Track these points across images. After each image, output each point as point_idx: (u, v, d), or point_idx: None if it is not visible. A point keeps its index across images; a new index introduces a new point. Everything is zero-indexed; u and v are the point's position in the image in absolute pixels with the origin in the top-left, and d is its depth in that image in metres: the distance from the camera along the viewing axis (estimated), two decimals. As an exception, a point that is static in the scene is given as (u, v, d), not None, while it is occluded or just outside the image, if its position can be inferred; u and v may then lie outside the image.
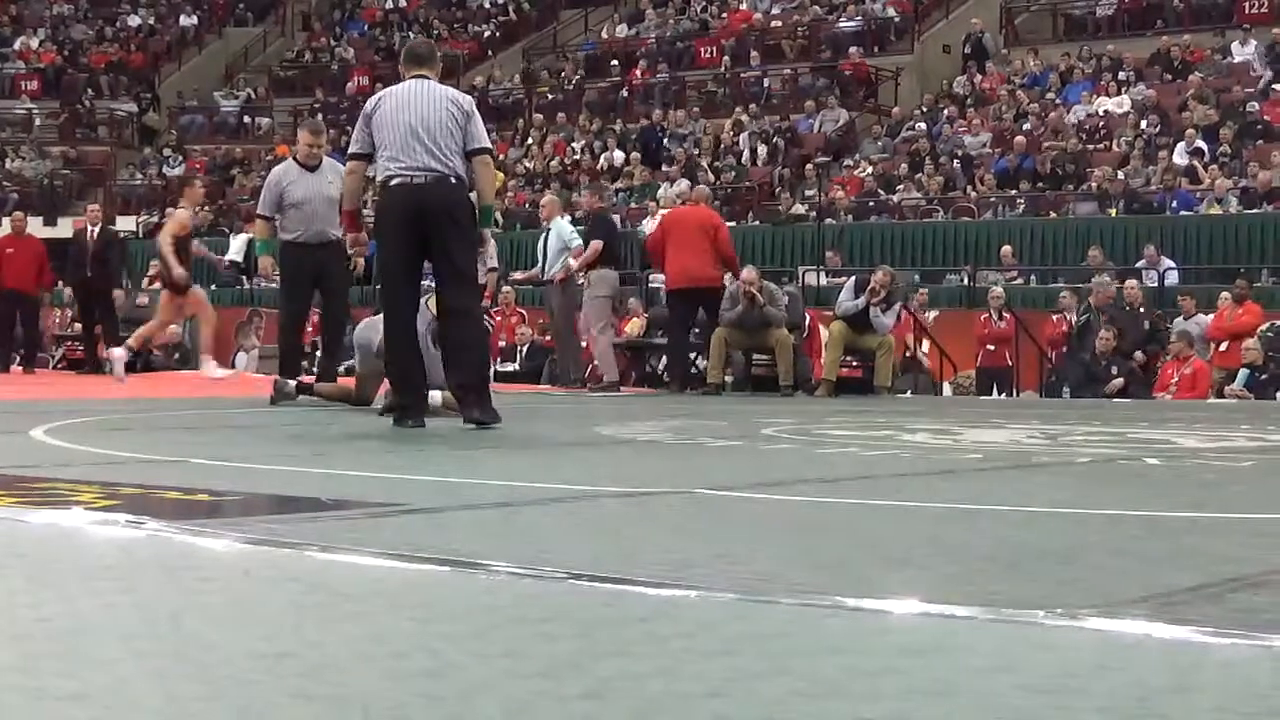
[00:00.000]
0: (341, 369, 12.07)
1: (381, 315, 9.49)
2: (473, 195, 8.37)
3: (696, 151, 28.75)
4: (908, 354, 17.84)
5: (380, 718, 1.85)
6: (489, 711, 1.88)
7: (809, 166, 26.37)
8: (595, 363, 16.30)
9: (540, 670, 2.10)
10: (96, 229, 18.26)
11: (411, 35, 38.66)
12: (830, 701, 1.95)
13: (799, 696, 1.97)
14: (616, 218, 17.24)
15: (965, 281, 21.12)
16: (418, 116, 8.15)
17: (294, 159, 11.79)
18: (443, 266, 8.36)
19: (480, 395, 8.18)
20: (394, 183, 8.16)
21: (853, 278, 16.45)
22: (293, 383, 10.87)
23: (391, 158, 8.15)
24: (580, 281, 15.75)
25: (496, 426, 7.97)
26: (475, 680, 2.04)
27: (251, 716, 1.86)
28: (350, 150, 8.57)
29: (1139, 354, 16.77)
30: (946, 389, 18.03)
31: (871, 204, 25.29)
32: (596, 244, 15.53)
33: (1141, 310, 17.46)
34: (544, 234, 16.50)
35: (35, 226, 19.97)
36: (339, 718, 1.87)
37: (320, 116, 34.62)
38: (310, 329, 12.51)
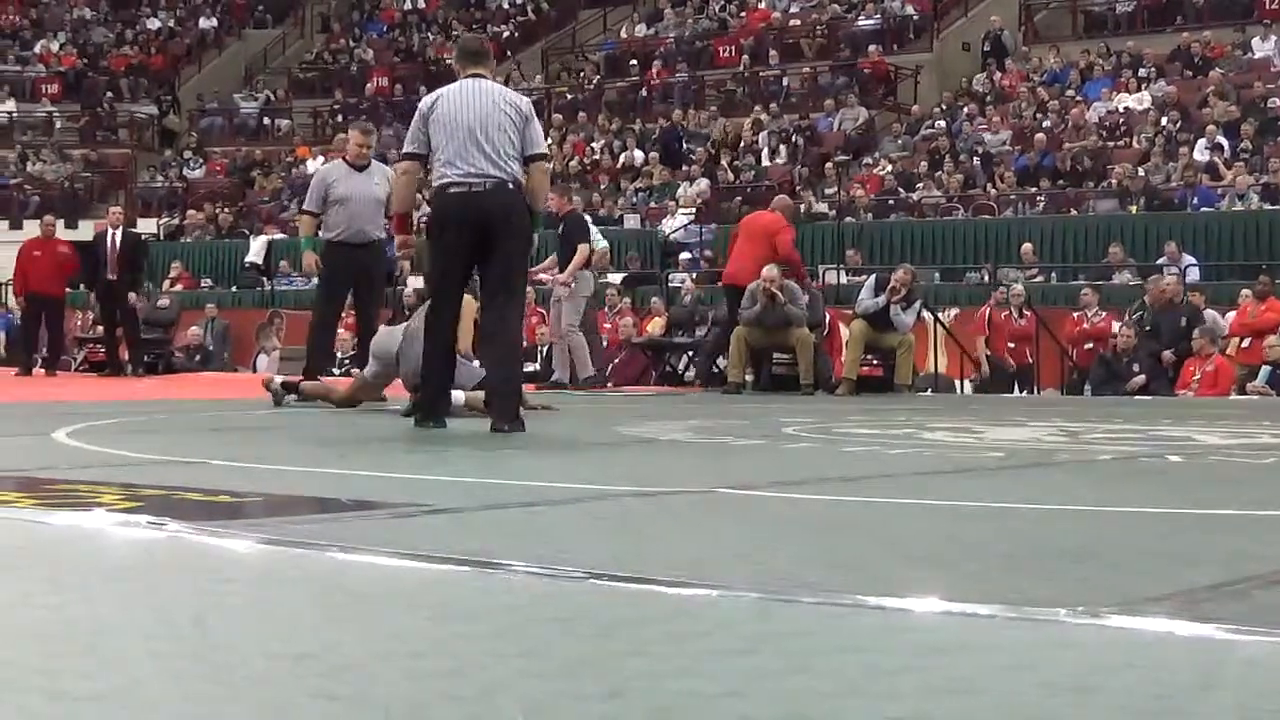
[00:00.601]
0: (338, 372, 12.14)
1: (399, 324, 9.61)
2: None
3: (713, 150, 28.73)
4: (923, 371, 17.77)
5: (400, 717, 1.85)
6: (509, 711, 1.87)
7: (828, 165, 26.35)
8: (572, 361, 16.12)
9: (560, 670, 2.10)
10: (118, 232, 18.31)
11: (430, 37, 38.80)
12: (851, 700, 1.94)
13: (820, 695, 1.96)
14: (588, 218, 17.18)
15: (985, 279, 21.08)
16: (477, 119, 8.00)
17: (343, 158, 11.92)
18: (493, 272, 8.20)
19: (510, 401, 8.08)
20: (452, 189, 8.02)
21: (873, 276, 16.44)
22: (278, 379, 10.90)
23: (448, 161, 8.02)
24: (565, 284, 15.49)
25: (519, 433, 7.89)
26: (495, 680, 2.04)
27: (272, 717, 1.86)
28: (405, 150, 8.43)
29: (1167, 353, 16.68)
30: (966, 387, 18.00)
31: (891, 202, 25.25)
32: (584, 248, 15.32)
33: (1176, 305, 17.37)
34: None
35: (57, 229, 19.97)
36: (359, 718, 1.87)
37: (341, 118, 35.03)
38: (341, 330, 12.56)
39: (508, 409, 8.02)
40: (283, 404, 10.55)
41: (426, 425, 8.13)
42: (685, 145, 29.18)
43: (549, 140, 31.48)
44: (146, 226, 30.09)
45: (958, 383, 17.96)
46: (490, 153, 7.98)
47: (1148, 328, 17.05)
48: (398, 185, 8.82)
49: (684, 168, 28.17)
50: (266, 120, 37.93)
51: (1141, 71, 27.23)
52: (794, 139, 28.48)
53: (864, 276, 17.63)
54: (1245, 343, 16.91)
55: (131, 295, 18.18)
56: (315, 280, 12.73)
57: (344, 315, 12.99)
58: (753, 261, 15.51)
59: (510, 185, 8.03)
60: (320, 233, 11.71)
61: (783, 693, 1.97)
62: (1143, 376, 16.39)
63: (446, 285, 8.32)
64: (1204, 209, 22.15)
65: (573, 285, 15.28)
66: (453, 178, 8.01)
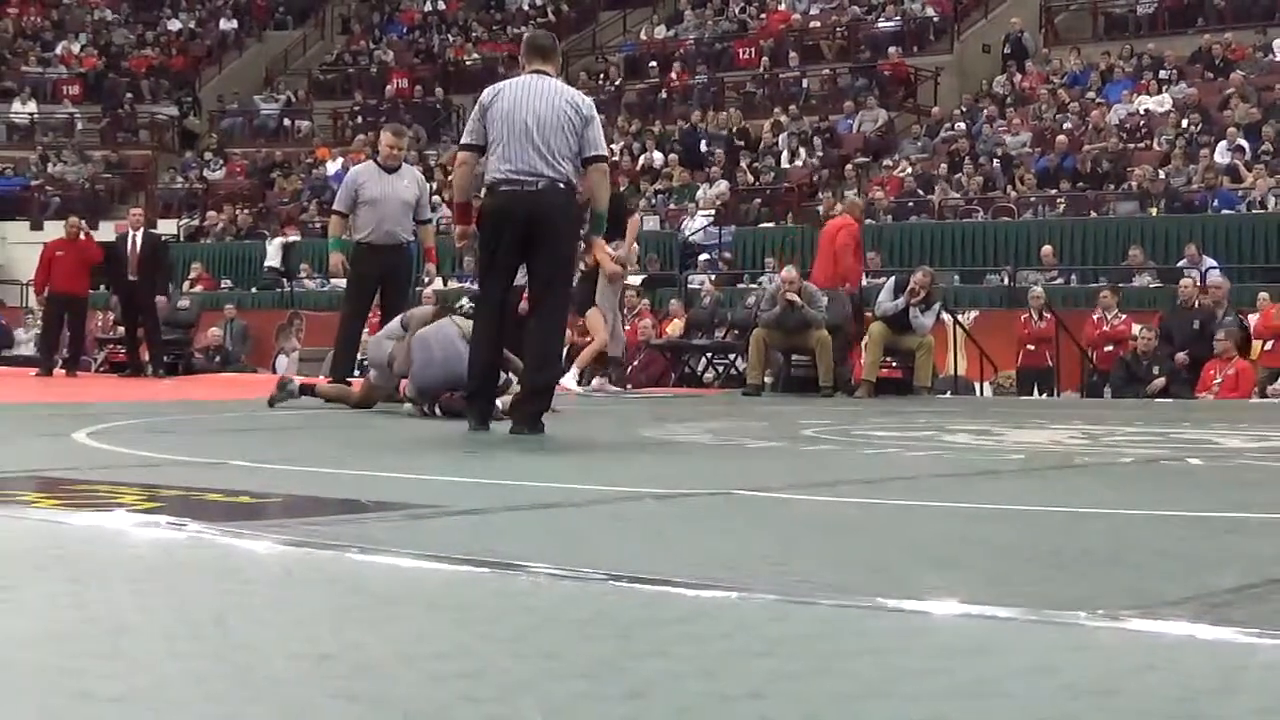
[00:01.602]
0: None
1: (390, 325, 9.97)
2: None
3: (740, 143, 28.71)
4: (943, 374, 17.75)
5: (421, 718, 1.85)
6: (529, 712, 1.88)
7: (848, 167, 26.31)
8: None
9: (580, 671, 2.10)
10: (139, 233, 18.35)
11: (450, 38, 38.84)
12: (871, 702, 1.94)
13: (839, 697, 1.96)
14: None
15: (1005, 281, 21.04)
16: (534, 116, 7.97)
17: (374, 160, 11.97)
18: (539, 272, 8.16)
19: (540, 406, 8.04)
20: (503, 187, 8.01)
21: (892, 278, 16.42)
22: (297, 380, 10.91)
23: (503, 157, 7.99)
24: None
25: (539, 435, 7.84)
26: (515, 681, 2.04)
27: (292, 717, 1.86)
28: (463, 141, 8.43)
29: (1181, 355, 16.64)
30: (986, 389, 17.97)
31: (911, 204, 25.22)
32: (634, 220, 15.28)
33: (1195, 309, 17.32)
34: None
35: (81, 231, 20.01)
36: (380, 718, 1.87)
37: (361, 119, 35.08)
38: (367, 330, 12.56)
39: (534, 412, 7.96)
40: (276, 404, 10.46)
41: (470, 428, 8.05)
42: (707, 147, 29.15)
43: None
44: (167, 228, 30.17)
45: (977, 385, 17.92)
46: (545, 152, 7.95)
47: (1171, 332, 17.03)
48: (457, 175, 8.82)
49: (704, 169, 28.14)
50: (287, 121, 37.97)
51: (1162, 73, 27.15)
52: (814, 141, 28.45)
53: (884, 279, 17.60)
54: (1267, 345, 16.84)
55: (160, 298, 18.21)
56: (340, 281, 12.75)
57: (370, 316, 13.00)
58: (823, 265, 15.80)
59: (561, 185, 8.00)
60: (351, 234, 11.76)
61: (802, 694, 1.97)
62: (1163, 379, 16.35)
63: (491, 283, 8.32)
64: (1225, 211, 22.09)
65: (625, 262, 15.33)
66: (505, 175, 8.00)
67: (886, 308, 15.41)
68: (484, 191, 8.35)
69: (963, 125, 27.33)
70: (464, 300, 10.43)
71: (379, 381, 10.55)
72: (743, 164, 28.00)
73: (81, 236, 19.42)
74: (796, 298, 15.11)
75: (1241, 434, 8.94)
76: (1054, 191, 24.34)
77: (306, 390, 10.80)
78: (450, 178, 13.42)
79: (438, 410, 9.54)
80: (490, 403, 8.33)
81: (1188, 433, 9.14)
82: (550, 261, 8.11)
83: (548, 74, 8.31)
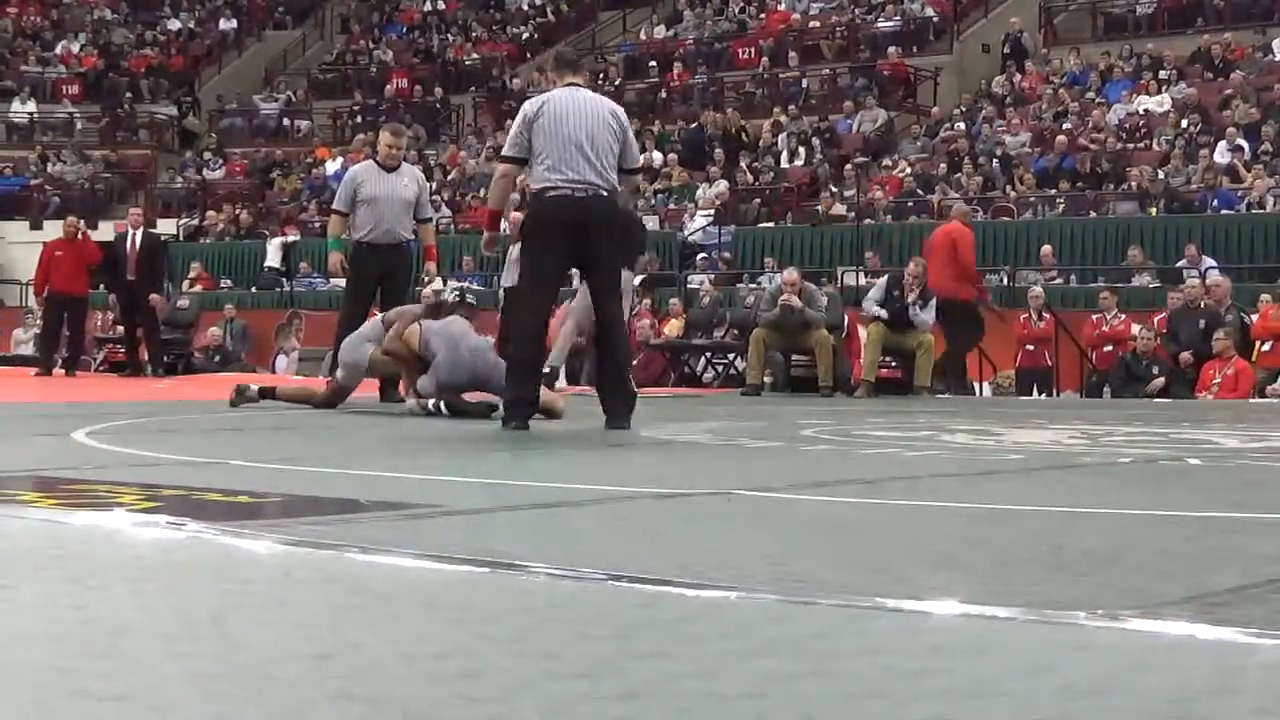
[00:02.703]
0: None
1: (360, 330, 10.29)
2: None
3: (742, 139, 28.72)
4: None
5: (419, 718, 1.85)
6: (528, 712, 1.88)
7: (848, 167, 26.32)
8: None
9: (579, 671, 2.10)
10: (138, 232, 18.34)
11: (450, 38, 38.85)
12: (870, 702, 1.94)
13: (838, 697, 1.96)
14: None
15: (1005, 281, 21.03)
16: (583, 129, 8.18)
17: (374, 159, 11.97)
18: (598, 277, 8.46)
19: (629, 400, 8.38)
20: (553, 194, 8.18)
21: (884, 278, 16.43)
22: (254, 386, 10.87)
23: (552, 167, 8.15)
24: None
25: (626, 430, 8.17)
26: (514, 681, 2.04)
27: (292, 717, 1.86)
28: (505, 152, 8.54)
29: (1185, 354, 16.63)
30: (986, 389, 17.96)
31: (910, 204, 25.22)
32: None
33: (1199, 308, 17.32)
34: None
35: (79, 231, 20.01)
36: (379, 718, 1.87)
37: (360, 119, 35.08)
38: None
39: (626, 406, 8.34)
40: (238, 406, 10.41)
41: (510, 426, 8.14)
42: (710, 146, 29.14)
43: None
44: (166, 227, 30.17)
45: (978, 385, 17.92)
46: (595, 162, 8.18)
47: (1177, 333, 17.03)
48: (495, 186, 8.92)
49: (705, 169, 28.13)
50: (286, 121, 37.99)
51: (1162, 73, 27.16)
52: (813, 140, 28.45)
53: (883, 279, 17.61)
54: (1266, 346, 16.84)
55: (153, 296, 18.19)
56: (340, 280, 12.74)
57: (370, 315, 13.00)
58: (937, 272, 15.81)
59: (608, 194, 8.28)
60: (350, 234, 11.75)
61: (801, 694, 1.97)
62: (1162, 379, 16.34)
63: (539, 289, 8.48)
64: (1224, 211, 22.09)
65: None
66: (555, 183, 8.17)
67: (874, 311, 15.40)
68: (527, 200, 8.47)
69: (962, 125, 27.35)
70: (452, 293, 10.46)
71: (346, 382, 10.52)
72: (742, 164, 28.00)
73: (79, 236, 19.41)
74: (796, 301, 15.11)
75: (1241, 434, 8.94)
76: (1053, 191, 24.35)
77: (267, 393, 10.75)
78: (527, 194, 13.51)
79: (443, 408, 9.53)
80: (532, 405, 8.45)
81: (1187, 433, 9.14)
82: (607, 267, 8.44)
83: (580, 85, 8.54)
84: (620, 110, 8.60)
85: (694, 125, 30.11)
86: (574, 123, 8.17)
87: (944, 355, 16.12)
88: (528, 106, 8.44)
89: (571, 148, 8.13)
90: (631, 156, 8.54)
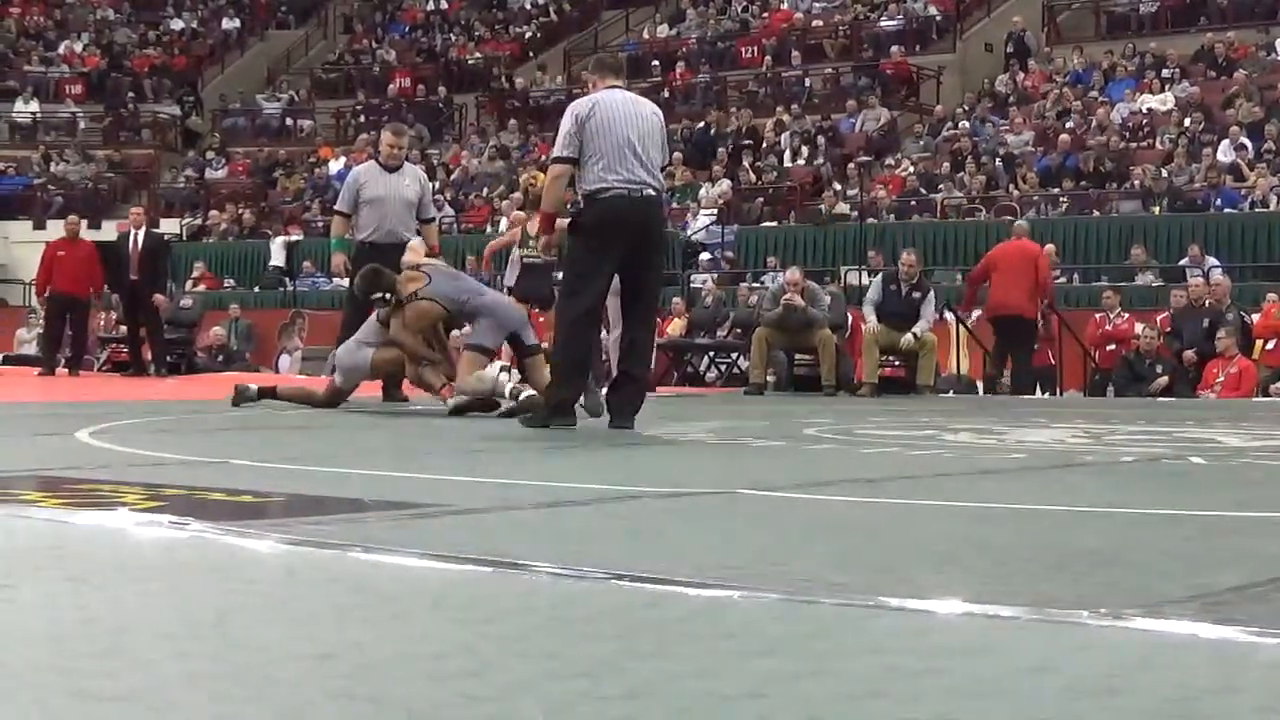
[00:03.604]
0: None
1: (366, 329, 10.25)
2: None
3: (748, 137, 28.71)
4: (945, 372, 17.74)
5: (422, 718, 1.85)
6: (530, 712, 1.88)
7: (850, 166, 26.32)
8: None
9: (581, 671, 2.10)
10: (141, 232, 18.34)
11: (453, 38, 38.85)
12: (872, 702, 1.94)
13: (841, 697, 1.96)
14: None
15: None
16: (635, 130, 8.22)
17: (376, 159, 11.95)
18: (641, 280, 8.49)
19: (635, 408, 8.38)
20: (609, 194, 8.17)
21: (880, 274, 16.45)
22: (254, 386, 10.86)
23: (607, 168, 8.16)
24: None
25: (628, 430, 8.18)
26: (516, 680, 2.04)
27: (293, 717, 1.86)
28: (559, 153, 8.50)
29: (1189, 353, 16.62)
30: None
31: (913, 203, 25.23)
32: None
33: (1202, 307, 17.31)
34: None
35: (80, 229, 20.02)
36: (381, 718, 1.87)
37: (363, 119, 35.08)
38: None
39: (632, 408, 8.36)
40: (239, 406, 10.41)
41: (557, 422, 8.16)
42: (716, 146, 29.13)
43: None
44: (169, 227, 30.17)
45: (979, 384, 17.91)
46: (647, 162, 8.25)
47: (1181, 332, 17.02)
48: (550, 187, 8.83)
49: (708, 168, 28.13)
50: (289, 121, 37.99)
51: (1165, 72, 27.15)
52: (816, 140, 28.45)
53: (878, 276, 17.61)
54: (1269, 345, 16.83)
55: (156, 296, 18.19)
56: (342, 280, 12.73)
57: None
58: (1014, 290, 15.94)
59: (656, 193, 8.37)
60: (353, 234, 11.74)
61: (803, 694, 1.97)
62: (1165, 378, 16.34)
63: (592, 289, 8.41)
64: (1227, 210, 22.07)
65: None
66: (611, 183, 8.18)
67: (868, 315, 15.42)
68: (581, 201, 8.46)
69: (965, 124, 27.34)
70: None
71: (344, 385, 10.52)
72: (745, 163, 27.99)
73: (80, 236, 19.41)
74: (799, 300, 15.11)
75: (1244, 433, 8.94)
76: (1056, 190, 24.35)
77: (267, 393, 10.74)
78: (529, 193, 13.43)
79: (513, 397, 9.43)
80: (575, 401, 8.51)
81: (1190, 432, 9.13)
82: (651, 271, 8.54)
83: (621, 88, 8.66)
84: (659, 111, 8.68)
85: (700, 125, 30.10)
86: (626, 124, 8.21)
87: (1013, 375, 16.30)
88: (578, 107, 8.41)
89: (624, 148, 8.16)
90: (665, 155, 8.69)
